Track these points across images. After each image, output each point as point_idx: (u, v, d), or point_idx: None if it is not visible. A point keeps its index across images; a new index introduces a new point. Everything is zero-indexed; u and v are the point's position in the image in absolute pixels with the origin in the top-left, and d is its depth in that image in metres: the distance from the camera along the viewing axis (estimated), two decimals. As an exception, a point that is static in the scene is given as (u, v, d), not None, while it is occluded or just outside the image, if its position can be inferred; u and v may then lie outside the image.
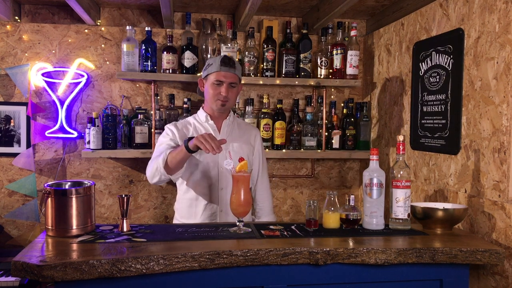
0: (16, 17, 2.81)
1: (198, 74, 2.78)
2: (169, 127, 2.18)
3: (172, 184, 3.00)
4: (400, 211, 1.86)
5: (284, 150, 2.86)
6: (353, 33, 2.84)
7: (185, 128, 2.18)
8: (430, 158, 2.31)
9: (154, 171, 2.00)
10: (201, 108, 2.24)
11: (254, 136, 2.29)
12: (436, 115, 2.23)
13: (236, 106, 2.88)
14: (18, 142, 2.84)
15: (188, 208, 2.17)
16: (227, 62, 2.09)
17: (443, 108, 2.18)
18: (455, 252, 1.62)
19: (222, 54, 2.23)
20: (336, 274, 1.61)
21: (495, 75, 1.84)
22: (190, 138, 1.92)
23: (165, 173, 1.98)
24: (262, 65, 2.88)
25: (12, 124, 2.83)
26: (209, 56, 2.80)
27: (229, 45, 2.75)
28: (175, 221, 2.26)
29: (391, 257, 1.59)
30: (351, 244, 1.64)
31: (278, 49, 2.93)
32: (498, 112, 1.81)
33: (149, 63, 2.74)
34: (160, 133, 2.68)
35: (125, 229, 1.73)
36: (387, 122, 2.81)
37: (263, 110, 2.91)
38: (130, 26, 2.73)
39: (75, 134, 2.83)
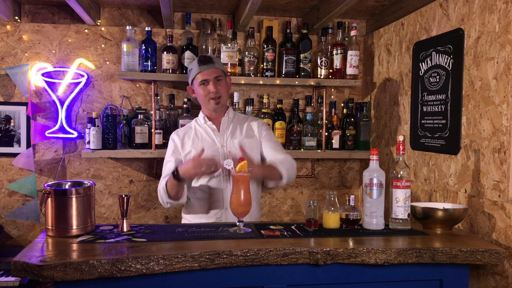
0: (16, 17, 2.81)
1: (198, 74, 2.78)
2: (172, 137, 2.25)
3: (172, 184, 3.00)
4: (400, 211, 1.86)
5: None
6: (353, 33, 2.84)
7: (186, 134, 2.23)
8: (430, 158, 2.31)
9: (163, 201, 2.10)
10: (200, 110, 2.29)
11: (256, 128, 2.27)
12: (436, 115, 2.23)
13: (236, 106, 2.87)
14: (18, 142, 2.84)
15: (194, 207, 2.20)
16: (203, 60, 2.15)
17: (443, 108, 2.18)
18: (455, 252, 1.62)
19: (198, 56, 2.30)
20: (336, 274, 1.61)
21: (495, 75, 1.84)
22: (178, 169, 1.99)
23: (173, 201, 2.08)
24: (262, 65, 2.88)
25: (12, 124, 2.83)
26: (209, 56, 2.80)
27: (229, 45, 2.75)
28: (183, 220, 2.29)
29: (391, 257, 1.59)
30: (351, 244, 1.64)
31: (278, 49, 2.93)
32: (498, 112, 1.81)
33: (149, 63, 2.74)
34: (160, 133, 2.73)
35: (125, 229, 1.73)
36: (387, 122, 2.81)
37: (263, 110, 2.91)
38: (130, 26, 2.73)
39: (75, 134, 2.83)
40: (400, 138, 1.87)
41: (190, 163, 1.96)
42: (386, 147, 2.81)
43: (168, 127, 2.83)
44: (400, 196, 1.85)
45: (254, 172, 1.93)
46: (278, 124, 2.87)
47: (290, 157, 2.22)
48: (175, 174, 1.97)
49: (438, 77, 2.22)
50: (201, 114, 2.26)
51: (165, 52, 2.76)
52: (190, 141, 2.19)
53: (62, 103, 2.82)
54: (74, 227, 1.66)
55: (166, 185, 2.05)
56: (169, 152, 2.21)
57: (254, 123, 2.29)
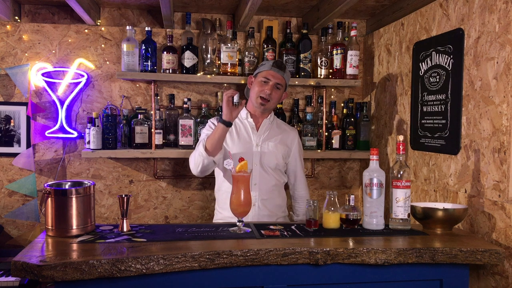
0: (16, 17, 2.81)
1: (198, 75, 2.78)
2: (212, 121, 2.32)
3: (171, 184, 3.00)
4: (400, 211, 1.86)
5: (284, 150, 2.86)
6: (353, 33, 2.84)
7: None
8: (430, 158, 2.31)
9: (197, 157, 2.13)
10: (245, 106, 2.35)
11: (292, 138, 2.35)
12: (436, 115, 2.23)
13: (236, 106, 2.87)
14: (18, 142, 2.84)
15: (225, 200, 2.21)
16: (279, 64, 2.25)
17: (443, 108, 2.18)
18: (455, 252, 1.62)
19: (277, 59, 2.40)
20: (336, 274, 1.61)
21: (495, 75, 1.84)
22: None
23: (207, 155, 2.09)
24: (262, 65, 2.88)
25: (12, 124, 2.83)
26: (209, 56, 2.80)
27: (229, 45, 2.75)
28: (215, 212, 2.34)
29: (391, 257, 1.59)
30: (351, 244, 1.64)
31: (278, 49, 2.93)
32: (498, 112, 1.81)
33: (149, 63, 2.74)
34: (160, 133, 2.73)
35: (125, 229, 1.73)
36: (387, 122, 2.81)
37: (263, 110, 2.91)
38: (130, 26, 2.72)
39: (75, 134, 2.83)
40: (400, 138, 1.87)
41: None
42: (386, 147, 2.81)
43: (168, 127, 2.83)
44: (400, 196, 1.85)
45: None
46: (278, 124, 2.87)
47: (307, 190, 2.43)
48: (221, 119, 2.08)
49: (438, 77, 2.22)
50: (244, 110, 2.33)
51: (165, 52, 2.76)
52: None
53: (62, 103, 2.82)
54: (74, 227, 1.66)
55: (206, 140, 2.12)
56: (205, 131, 2.25)
57: (291, 132, 2.38)
